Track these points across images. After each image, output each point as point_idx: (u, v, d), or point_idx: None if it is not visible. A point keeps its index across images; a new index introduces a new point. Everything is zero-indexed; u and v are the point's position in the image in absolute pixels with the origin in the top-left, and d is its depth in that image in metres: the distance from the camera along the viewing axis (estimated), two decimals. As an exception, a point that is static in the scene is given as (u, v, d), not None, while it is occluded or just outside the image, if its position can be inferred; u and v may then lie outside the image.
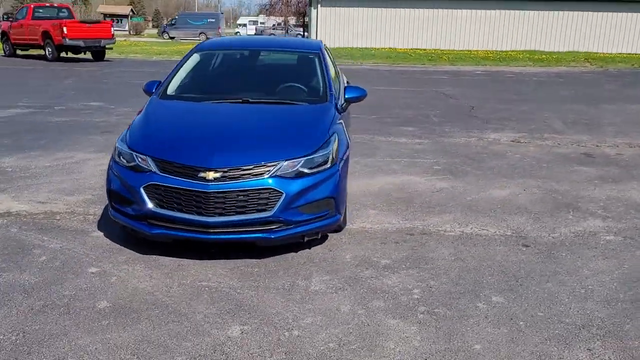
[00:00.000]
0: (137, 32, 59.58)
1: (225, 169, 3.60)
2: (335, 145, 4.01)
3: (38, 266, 3.70)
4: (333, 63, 5.78)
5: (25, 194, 5.24)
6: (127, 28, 62.09)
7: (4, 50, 22.57)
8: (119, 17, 64.01)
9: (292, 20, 42.17)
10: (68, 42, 19.38)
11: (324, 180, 3.81)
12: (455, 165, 6.59)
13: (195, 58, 5.27)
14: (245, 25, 76.29)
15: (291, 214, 3.69)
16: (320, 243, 4.15)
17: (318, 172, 3.80)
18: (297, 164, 3.72)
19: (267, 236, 3.67)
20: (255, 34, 42.33)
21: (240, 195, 3.59)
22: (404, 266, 3.82)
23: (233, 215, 3.60)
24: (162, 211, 3.65)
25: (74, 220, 4.56)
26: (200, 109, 4.50)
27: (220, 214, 3.59)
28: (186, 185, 3.58)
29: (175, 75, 4.98)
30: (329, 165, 3.87)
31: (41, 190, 5.32)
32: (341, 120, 4.53)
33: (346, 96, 4.90)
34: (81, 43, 19.71)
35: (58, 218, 4.61)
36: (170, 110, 4.49)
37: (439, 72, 19.63)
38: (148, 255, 3.87)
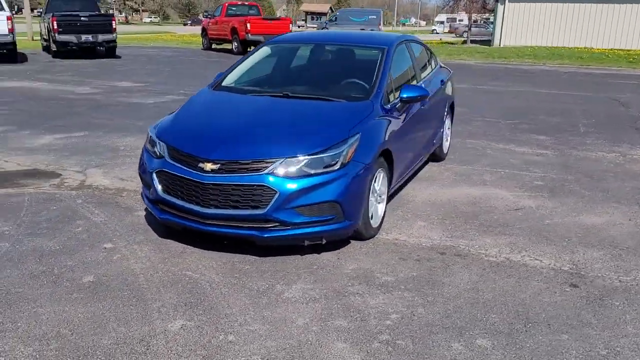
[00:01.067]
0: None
1: (224, 162, 3.56)
2: (352, 147, 3.71)
3: (68, 236, 4.06)
4: (415, 60, 5.37)
5: (116, 170, 5.79)
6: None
7: (202, 44, 25.28)
8: (318, 15, 67.56)
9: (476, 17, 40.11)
10: (250, 37, 20.97)
11: (329, 182, 3.56)
12: (564, 183, 5.69)
13: (264, 51, 5.30)
14: (442, 22, 74.63)
15: (287, 214, 3.51)
16: (334, 249, 3.89)
17: (323, 173, 3.56)
18: (299, 163, 3.53)
19: (258, 234, 3.55)
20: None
21: (235, 190, 3.52)
22: (403, 287, 3.41)
23: (228, 209, 3.55)
24: (168, 197, 3.75)
25: (132, 198, 4.91)
26: (235, 100, 4.51)
27: (216, 206, 3.56)
28: (187, 175, 3.63)
29: (238, 66, 5.07)
30: (337, 166, 3.60)
31: (131, 169, 5.82)
32: (385, 120, 4.19)
33: (401, 95, 4.51)
34: (261, 38, 21.15)
35: (123, 195, 5.01)
36: (208, 100, 4.57)
37: (632, 76, 17.15)
38: (163, 239, 4.01)
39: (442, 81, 5.98)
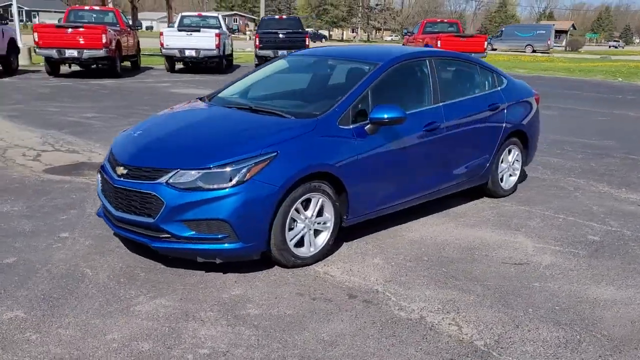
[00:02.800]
0: (574, 48, 56.93)
1: (131, 167, 3.65)
2: (259, 165, 3.46)
3: (47, 219, 4.55)
4: (436, 79, 4.72)
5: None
6: (563, 44, 60.19)
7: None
8: (558, 33, 62.31)
9: None
10: (439, 55, 20.47)
11: (220, 199, 3.39)
12: (627, 242, 4.47)
13: (277, 64, 5.24)
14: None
15: (175, 227, 3.46)
16: (262, 269, 3.69)
17: (215, 189, 3.41)
18: (193, 176, 3.45)
19: (149, 242, 3.56)
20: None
21: (135, 195, 3.59)
22: (257, 323, 3.07)
23: (129, 213, 3.63)
24: (101, 196, 3.99)
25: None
26: (195, 110, 4.53)
27: (122, 210, 3.68)
28: (107, 177, 3.82)
29: (243, 78, 5.10)
30: (231, 184, 3.41)
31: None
32: (333, 140, 3.82)
33: (370, 116, 4.05)
34: (452, 56, 20.50)
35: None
36: (177, 110, 4.68)
37: None
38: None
39: (491, 105, 5.14)
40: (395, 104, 4.06)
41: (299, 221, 3.72)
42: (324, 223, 3.88)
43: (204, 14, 21.04)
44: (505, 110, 5.29)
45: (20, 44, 16.09)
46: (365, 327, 3.07)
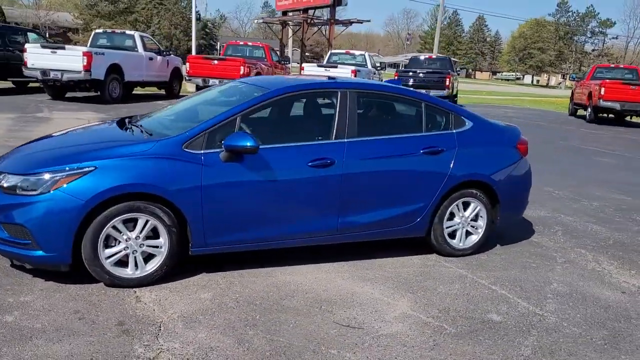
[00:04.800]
0: None
1: None
2: (70, 177, 3.55)
3: None
4: (345, 113, 4.31)
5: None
6: None
7: (568, 109, 23.13)
8: None
9: None
10: (602, 103, 18.21)
11: (24, 205, 3.55)
12: (536, 327, 3.58)
13: (208, 91, 5.26)
14: None
15: None
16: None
17: (25, 195, 3.58)
18: (15, 181, 3.62)
19: None
20: None
21: None
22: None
23: None
24: None
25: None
26: (94, 126, 4.81)
27: None
28: None
29: (182, 102, 5.21)
30: (35, 192, 3.56)
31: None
32: (169, 162, 3.75)
33: (223, 143, 3.87)
34: (617, 106, 18.08)
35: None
36: (88, 125, 4.97)
37: None
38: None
39: (427, 148, 4.49)
40: (248, 134, 3.84)
41: (120, 240, 3.70)
42: (158, 247, 3.80)
43: (352, 51, 21.66)
44: (455, 157, 4.59)
45: (184, 73, 18.27)
46: (81, 351, 2.94)
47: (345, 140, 4.27)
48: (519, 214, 5.23)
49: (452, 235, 4.79)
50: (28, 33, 17.08)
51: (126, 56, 15.63)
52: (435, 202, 4.57)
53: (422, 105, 4.69)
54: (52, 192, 3.54)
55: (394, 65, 67.90)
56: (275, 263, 4.35)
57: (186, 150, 3.83)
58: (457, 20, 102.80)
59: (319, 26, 26.98)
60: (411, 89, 5.00)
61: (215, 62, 16.52)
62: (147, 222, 3.73)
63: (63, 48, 14.22)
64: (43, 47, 14.36)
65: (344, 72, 17.83)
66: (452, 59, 23.77)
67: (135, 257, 3.77)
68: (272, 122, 4.66)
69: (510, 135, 5.06)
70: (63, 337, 3.09)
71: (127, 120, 4.67)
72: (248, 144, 3.78)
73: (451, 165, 4.58)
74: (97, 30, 17.85)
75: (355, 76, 17.97)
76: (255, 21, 74.19)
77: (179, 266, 4.04)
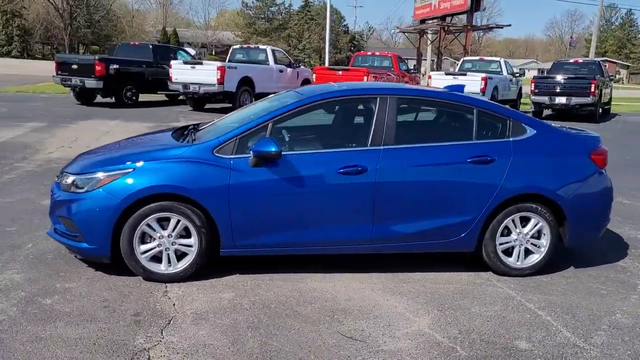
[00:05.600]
0: None
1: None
2: (111, 177, 3.91)
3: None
4: (384, 120, 4.19)
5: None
6: None
7: None
8: None
9: None
10: None
11: (74, 201, 3.98)
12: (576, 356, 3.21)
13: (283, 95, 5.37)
14: None
15: (55, 220, 4.19)
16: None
17: (76, 192, 4.02)
18: (71, 179, 4.08)
19: (48, 232, 4.35)
20: None
21: None
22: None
23: None
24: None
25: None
26: (155, 133, 5.14)
27: None
28: None
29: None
30: (83, 190, 3.97)
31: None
32: (199, 165, 3.96)
33: (251, 148, 3.99)
34: None
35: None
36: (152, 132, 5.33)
37: None
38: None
39: (475, 158, 4.18)
40: (272, 140, 3.92)
41: (154, 237, 3.98)
42: (189, 246, 4.02)
43: (486, 58, 20.74)
44: (509, 167, 4.24)
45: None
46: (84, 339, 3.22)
47: (381, 147, 4.15)
48: (595, 234, 4.64)
49: (509, 252, 4.40)
50: (177, 51, 18.87)
51: (257, 69, 16.58)
52: (484, 215, 4.24)
53: (474, 111, 4.39)
54: (95, 189, 3.92)
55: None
56: (312, 269, 4.35)
57: (217, 154, 4.01)
58: (631, 21, 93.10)
59: (456, 33, 26.20)
60: (463, 94, 4.67)
61: (340, 72, 16.85)
62: (178, 221, 3.96)
63: (201, 63, 15.52)
64: (185, 63, 15.80)
65: (473, 80, 17.17)
66: (604, 62, 21.58)
67: (168, 254, 4.02)
68: (306, 128, 4.68)
69: (584, 144, 4.52)
70: (82, 322, 3.41)
71: (188, 127, 4.98)
72: (272, 149, 3.86)
73: (504, 176, 4.22)
74: (235, 46, 19.18)
75: (485, 84, 17.22)
76: (393, 31, 74.30)
77: (218, 266, 4.21)
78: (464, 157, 4.21)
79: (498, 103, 4.83)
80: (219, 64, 15.58)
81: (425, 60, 29.89)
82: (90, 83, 15.40)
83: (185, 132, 4.71)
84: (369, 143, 4.17)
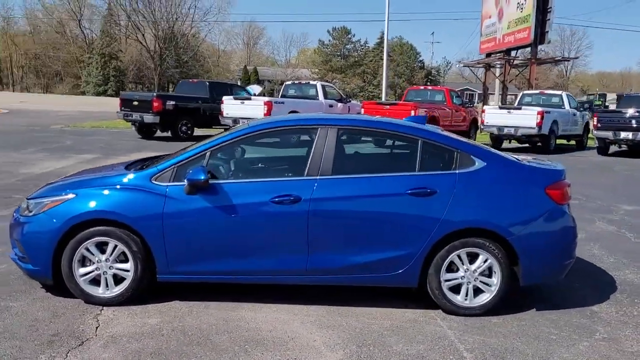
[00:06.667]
0: None
1: None
2: (55, 202, 4.13)
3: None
4: (322, 150, 4.18)
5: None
6: None
7: None
8: None
9: None
10: None
11: (22, 224, 4.22)
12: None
13: None
14: None
15: (12, 243, 4.44)
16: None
17: (25, 215, 4.25)
18: (24, 204, 4.35)
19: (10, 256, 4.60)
20: None
21: None
22: None
23: None
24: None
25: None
26: None
27: None
28: None
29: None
30: (30, 213, 4.21)
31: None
32: (133, 193, 4.12)
33: (185, 177, 4.09)
34: None
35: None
36: None
37: None
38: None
39: (415, 190, 4.04)
40: (202, 168, 4.00)
41: (93, 261, 4.15)
42: (126, 270, 4.15)
43: (547, 92, 19.93)
44: (451, 200, 4.07)
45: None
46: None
47: (317, 177, 4.11)
48: (557, 274, 4.30)
49: (457, 289, 4.17)
50: (233, 87, 19.66)
51: (306, 104, 16.91)
52: (425, 249, 4.07)
53: (419, 142, 4.26)
54: (40, 213, 4.15)
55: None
56: (253, 298, 4.33)
57: (154, 182, 4.14)
58: None
59: (521, 68, 25.46)
60: (410, 124, 4.53)
61: (387, 107, 16.81)
62: (115, 246, 4.11)
63: (249, 99, 16.06)
64: (235, 99, 16.41)
65: (528, 114, 16.60)
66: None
67: (105, 278, 4.16)
68: (247, 159, 4.72)
69: (540, 177, 4.26)
70: (2, 339, 3.58)
71: (155, 157, 5.18)
72: (201, 177, 3.94)
73: (445, 209, 4.04)
74: (287, 82, 19.70)
75: (542, 118, 16.58)
76: (457, 65, 73.12)
77: (160, 291, 4.30)
78: (403, 188, 4.09)
79: (454, 135, 4.65)
80: (266, 99, 16.04)
81: (493, 94, 29.14)
82: (148, 118, 16.32)
83: (146, 162, 4.89)
84: (306, 173, 4.15)
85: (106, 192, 4.16)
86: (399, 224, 4.07)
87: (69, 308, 4.10)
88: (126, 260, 4.13)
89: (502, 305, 4.21)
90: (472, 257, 4.13)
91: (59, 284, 4.21)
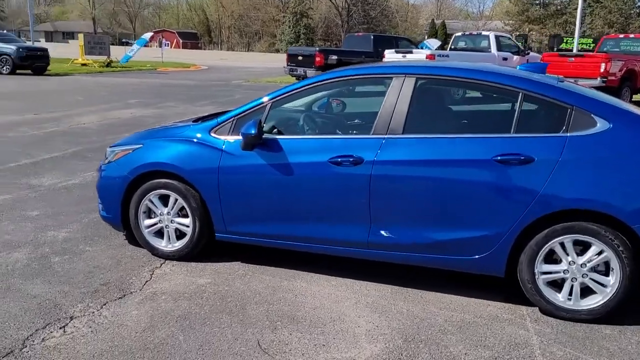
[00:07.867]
0: None
1: None
2: (124, 151, 4.10)
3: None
4: (395, 103, 3.48)
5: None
6: None
7: None
8: None
9: None
10: None
11: (100, 172, 4.29)
12: None
13: None
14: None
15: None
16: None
17: (105, 163, 4.30)
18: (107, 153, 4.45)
19: None
20: None
21: None
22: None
23: None
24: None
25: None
26: None
27: None
28: None
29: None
30: (106, 161, 4.25)
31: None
32: (190, 146, 3.90)
33: (240, 130, 3.73)
34: None
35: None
36: None
37: None
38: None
39: (501, 156, 3.18)
40: (255, 122, 3.61)
41: (157, 213, 4.07)
42: (187, 226, 4.01)
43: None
44: (554, 171, 3.14)
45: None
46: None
47: (385, 136, 3.46)
48: None
49: (559, 286, 3.27)
50: (398, 40, 18.83)
51: (473, 57, 15.50)
52: (514, 232, 3.22)
53: (519, 95, 3.33)
54: (112, 162, 4.16)
55: None
56: (315, 269, 3.91)
57: (213, 135, 3.87)
58: None
59: None
60: (511, 72, 3.52)
61: (572, 59, 14.62)
62: (176, 200, 3.96)
63: (411, 52, 15.20)
64: (397, 52, 15.67)
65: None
66: None
67: (168, 232, 4.05)
68: (312, 113, 4.15)
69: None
70: (55, 282, 3.65)
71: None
72: (251, 131, 3.56)
73: (545, 182, 3.13)
74: (457, 34, 18.22)
75: None
76: None
77: (229, 250, 4.13)
78: (489, 154, 3.24)
79: (577, 87, 3.58)
80: (429, 52, 15.03)
81: None
82: (310, 73, 16.39)
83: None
84: (372, 131, 3.52)
85: (168, 143, 4.00)
86: (480, 197, 3.25)
87: (134, 259, 4.07)
88: (187, 216, 3.96)
89: (620, 313, 3.19)
90: (584, 248, 3.16)
91: (131, 233, 4.20)
